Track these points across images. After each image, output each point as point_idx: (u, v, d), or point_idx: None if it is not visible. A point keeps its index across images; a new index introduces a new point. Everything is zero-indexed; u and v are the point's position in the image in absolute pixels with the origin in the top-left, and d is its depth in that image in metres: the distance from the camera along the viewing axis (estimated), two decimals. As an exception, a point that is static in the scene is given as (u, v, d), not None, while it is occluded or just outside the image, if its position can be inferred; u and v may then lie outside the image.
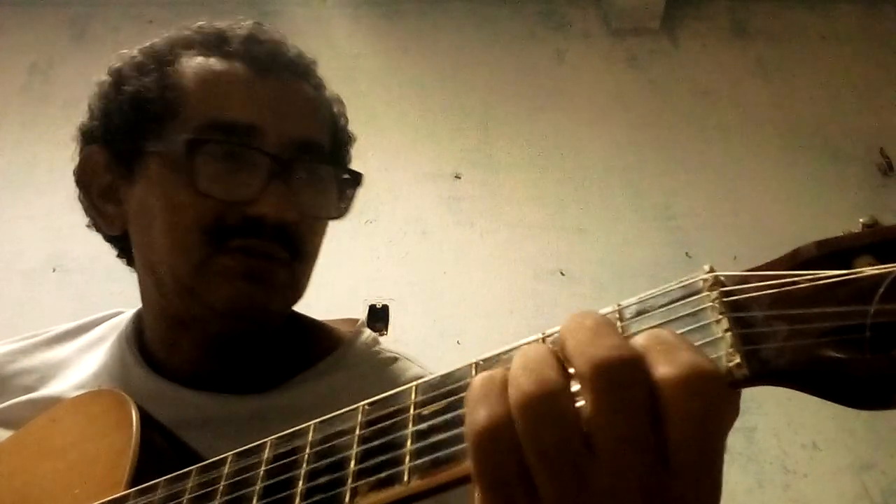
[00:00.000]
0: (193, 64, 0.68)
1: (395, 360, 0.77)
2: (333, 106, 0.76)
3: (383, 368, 0.75)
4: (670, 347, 0.30)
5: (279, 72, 0.69)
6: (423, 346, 2.13)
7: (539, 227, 2.41)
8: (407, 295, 2.28)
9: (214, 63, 0.68)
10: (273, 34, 0.72)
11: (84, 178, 0.71)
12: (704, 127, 2.58)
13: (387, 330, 2.21)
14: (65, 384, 0.73)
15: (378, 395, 0.69)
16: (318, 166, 0.70)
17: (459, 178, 2.51)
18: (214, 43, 0.69)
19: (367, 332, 0.80)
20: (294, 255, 0.67)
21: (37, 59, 2.73)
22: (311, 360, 0.74)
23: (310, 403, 0.69)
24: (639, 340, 0.31)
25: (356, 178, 0.73)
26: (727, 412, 0.30)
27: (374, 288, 2.26)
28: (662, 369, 0.30)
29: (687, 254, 2.37)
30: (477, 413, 0.32)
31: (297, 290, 0.70)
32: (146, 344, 0.74)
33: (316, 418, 0.67)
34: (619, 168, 2.51)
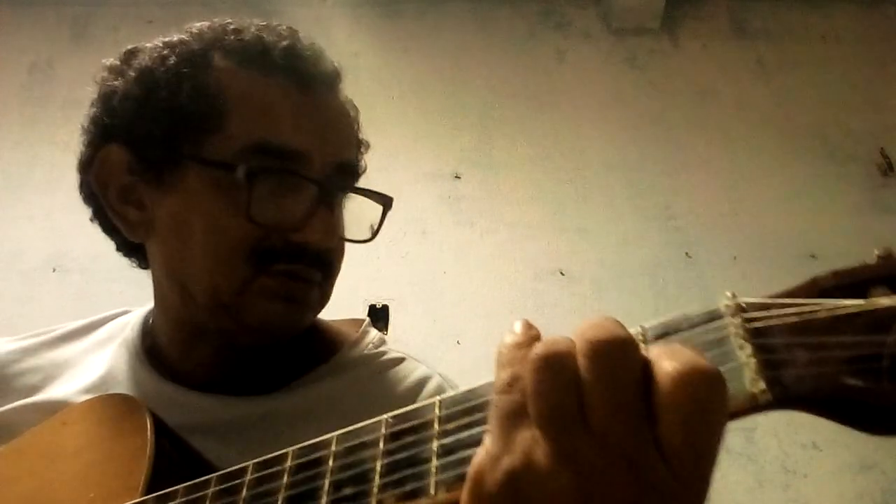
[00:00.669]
0: (236, 76, 0.67)
1: (402, 360, 0.76)
2: (353, 112, 0.76)
3: (389, 369, 0.75)
4: (676, 349, 0.32)
5: (320, 89, 0.69)
6: (423, 346, 2.13)
7: (539, 227, 2.42)
8: (407, 295, 2.28)
9: (257, 77, 0.67)
10: (312, 44, 0.71)
11: (101, 176, 0.69)
12: (704, 127, 2.58)
13: (387, 330, 2.21)
14: (70, 386, 0.72)
15: (383, 395, 0.70)
16: (355, 193, 0.73)
17: (459, 178, 2.51)
18: (255, 53, 0.67)
19: (373, 333, 0.80)
20: (325, 275, 0.69)
21: (37, 59, 2.73)
22: (316, 362, 0.74)
23: (315, 405, 0.69)
24: (652, 349, 0.33)
25: (387, 202, 0.75)
26: (721, 409, 0.31)
27: (374, 288, 2.26)
28: (666, 366, 0.32)
29: (687, 254, 2.37)
30: (500, 373, 0.35)
31: (324, 305, 0.72)
32: (156, 347, 0.74)
33: (321, 420, 0.67)
34: (619, 168, 2.52)
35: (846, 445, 2.04)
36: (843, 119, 2.58)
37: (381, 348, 0.78)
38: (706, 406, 0.31)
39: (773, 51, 2.72)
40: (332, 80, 0.71)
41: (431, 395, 0.71)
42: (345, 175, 0.70)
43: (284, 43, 0.68)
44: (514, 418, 0.34)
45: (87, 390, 0.71)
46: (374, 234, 0.76)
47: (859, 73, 2.66)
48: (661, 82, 2.67)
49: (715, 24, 2.78)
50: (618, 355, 0.32)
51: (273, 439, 0.65)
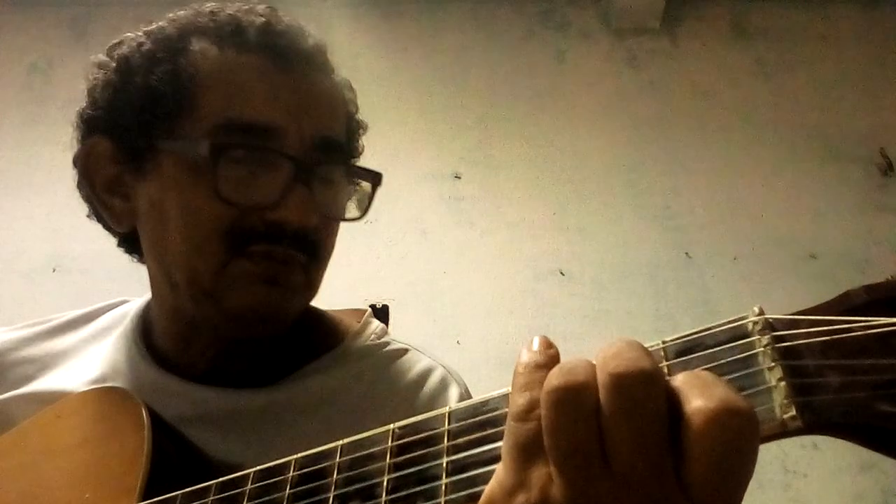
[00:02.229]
0: (209, 56, 0.65)
1: (405, 351, 0.75)
2: (346, 93, 0.73)
3: (393, 361, 0.73)
4: (707, 383, 0.31)
5: (298, 65, 0.66)
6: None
7: (539, 227, 2.41)
8: (407, 295, 2.28)
9: (231, 56, 0.65)
10: (290, 22, 0.69)
11: (88, 169, 0.69)
12: (704, 127, 2.58)
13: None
14: (68, 376, 0.72)
15: (388, 387, 0.69)
16: (338, 170, 0.69)
17: (459, 178, 2.51)
18: (230, 32, 0.66)
19: (375, 323, 0.79)
20: (311, 257, 0.66)
21: (37, 59, 2.73)
22: (317, 352, 0.72)
23: (318, 397, 0.68)
24: (678, 377, 0.32)
25: (375, 178, 0.71)
26: (754, 452, 0.30)
27: (374, 288, 2.26)
28: (696, 402, 0.30)
29: (687, 254, 2.37)
30: (516, 397, 0.34)
31: (313, 290, 0.69)
32: (154, 339, 0.73)
33: (324, 412, 0.67)
34: (619, 168, 2.51)
35: (846, 445, 2.02)
36: (843, 119, 2.57)
37: (384, 339, 0.77)
38: (739, 449, 0.29)
39: (773, 51, 2.72)
40: (313, 56, 0.68)
41: (435, 388, 0.70)
42: (328, 152, 0.67)
43: (260, 21, 0.66)
44: (530, 449, 0.32)
45: (86, 381, 0.70)
46: (364, 211, 0.71)
47: (859, 73, 2.66)
48: (661, 82, 2.67)
49: (715, 24, 2.78)
50: (642, 390, 0.30)
51: (275, 431, 0.65)
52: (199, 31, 0.67)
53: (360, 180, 0.71)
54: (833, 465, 2.03)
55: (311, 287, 0.69)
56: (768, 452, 2.04)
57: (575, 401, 0.31)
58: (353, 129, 0.75)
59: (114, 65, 0.67)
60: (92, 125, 0.68)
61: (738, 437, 0.29)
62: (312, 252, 0.66)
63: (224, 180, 0.61)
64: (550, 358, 0.35)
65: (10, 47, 2.74)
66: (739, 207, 2.43)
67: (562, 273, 2.34)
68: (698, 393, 0.30)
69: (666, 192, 2.47)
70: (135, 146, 0.65)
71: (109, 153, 0.67)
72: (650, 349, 0.34)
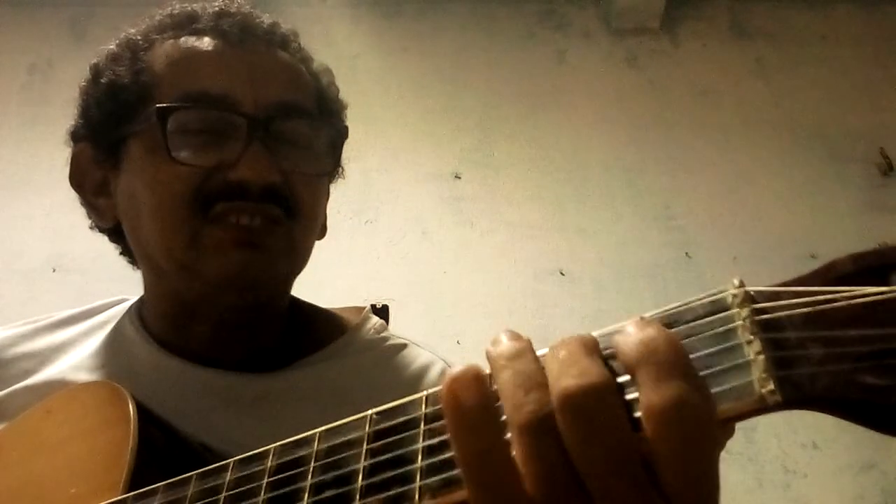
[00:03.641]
0: (165, 46, 0.67)
1: (405, 346, 0.76)
2: (321, 76, 0.74)
3: (393, 355, 0.74)
4: (661, 368, 0.29)
5: (252, 42, 0.67)
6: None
7: (539, 227, 2.42)
8: (407, 295, 2.28)
9: (185, 41, 0.67)
10: (243, 7, 0.70)
11: (77, 177, 0.71)
12: (704, 127, 2.58)
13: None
14: (67, 367, 0.72)
15: (388, 381, 0.70)
16: (299, 124, 0.67)
17: (459, 178, 2.51)
18: (185, 23, 0.68)
19: (374, 319, 0.79)
20: (288, 213, 0.65)
21: (37, 59, 2.73)
22: (318, 344, 0.73)
23: (317, 387, 0.68)
24: (630, 352, 0.30)
25: (342, 132, 0.70)
26: (714, 441, 0.29)
27: (374, 288, 2.26)
28: (646, 395, 0.29)
29: (687, 254, 2.37)
30: (468, 447, 0.32)
31: (299, 252, 0.68)
32: (150, 326, 0.73)
33: (323, 401, 0.67)
34: (619, 168, 2.52)
35: (846, 445, 2.04)
36: (843, 119, 2.58)
37: (384, 334, 0.77)
38: (699, 443, 0.28)
39: (773, 51, 2.72)
40: (268, 34, 0.69)
41: (436, 381, 0.70)
42: (287, 113, 0.66)
43: (214, 9, 0.69)
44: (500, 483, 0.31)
45: (86, 368, 0.70)
46: (332, 165, 0.70)
47: (859, 73, 2.66)
48: (661, 82, 2.67)
49: (715, 24, 2.78)
50: (591, 410, 0.29)
51: (273, 417, 0.65)
52: (159, 28, 0.70)
53: (325, 136, 0.70)
54: (833, 465, 2.03)
55: (297, 252, 0.67)
56: (768, 452, 2.04)
57: (538, 430, 0.30)
58: (328, 105, 0.73)
59: (88, 74, 0.71)
60: (76, 136, 0.71)
61: (695, 430, 0.28)
62: (288, 210, 0.65)
63: (179, 144, 0.62)
64: (483, 396, 0.33)
65: (10, 47, 2.74)
66: (739, 207, 2.43)
67: (562, 273, 2.34)
68: (650, 383, 0.29)
69: (666, 192, 2.47)
70: (108, 143, 0.68)
71: (91, 157, 0.69)
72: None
